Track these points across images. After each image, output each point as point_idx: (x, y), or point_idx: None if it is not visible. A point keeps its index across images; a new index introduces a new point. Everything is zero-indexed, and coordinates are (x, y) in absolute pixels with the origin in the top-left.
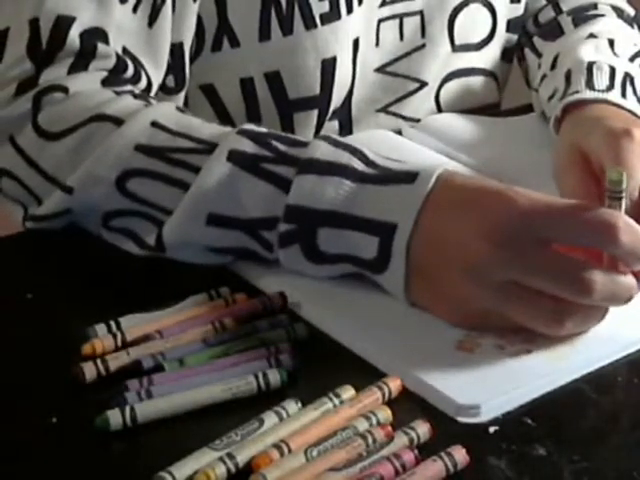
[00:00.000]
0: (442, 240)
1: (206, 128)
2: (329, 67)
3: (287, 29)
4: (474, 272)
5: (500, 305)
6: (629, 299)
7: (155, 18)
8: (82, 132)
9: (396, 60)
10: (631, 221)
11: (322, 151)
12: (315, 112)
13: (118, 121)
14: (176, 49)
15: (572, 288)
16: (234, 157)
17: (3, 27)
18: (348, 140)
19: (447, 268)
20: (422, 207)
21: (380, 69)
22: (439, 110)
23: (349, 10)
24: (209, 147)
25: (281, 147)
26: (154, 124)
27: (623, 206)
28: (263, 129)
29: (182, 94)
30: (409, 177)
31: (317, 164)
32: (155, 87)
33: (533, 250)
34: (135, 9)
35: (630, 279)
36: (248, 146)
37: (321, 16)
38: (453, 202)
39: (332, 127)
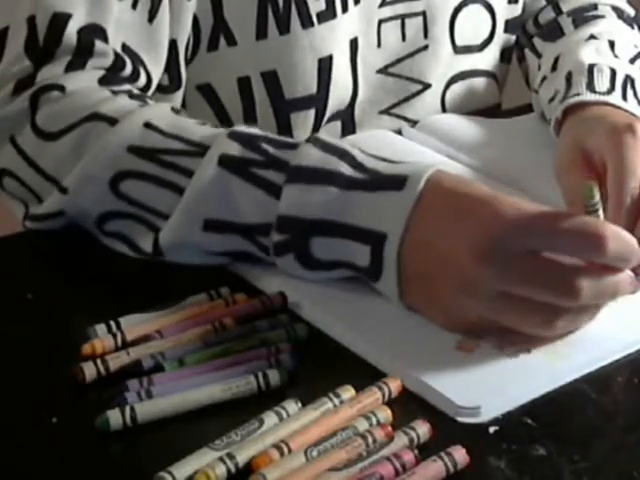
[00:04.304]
0: (432, 252)
1: (198, 129)
2: (325, 66)
3: (284, 28)
4: (465, 286)
5: (492, 314)
6: (615, 296)
7: (155, 14)
8: (78, 132)
9: (399, 61)
10: (618, 228)
11: (310, 157)
12: (312, 112)
13: (112, 121)
14: (170, 46)
15: (560, 295)
16: (225, 162)
17: (3, 26)
18: (339, 141)
19: (438, 280)
20: (411, 216)
21: (382, 70)
22: (444, 112)
23: (344, 9)
24: (200, 150)
25: (270, 150)
26: (147, 125)
27: (601, 216)
28: (254, 130)
29: (179, 93)
30: (397, 183)
31: (305, 171)
32: (155, 83)
33: (522, 261)
34: (135, 5)
35: (616, 277)
36: (238, 150)
37: (318, 15)
38: (442, 211)
39: (334, 128)
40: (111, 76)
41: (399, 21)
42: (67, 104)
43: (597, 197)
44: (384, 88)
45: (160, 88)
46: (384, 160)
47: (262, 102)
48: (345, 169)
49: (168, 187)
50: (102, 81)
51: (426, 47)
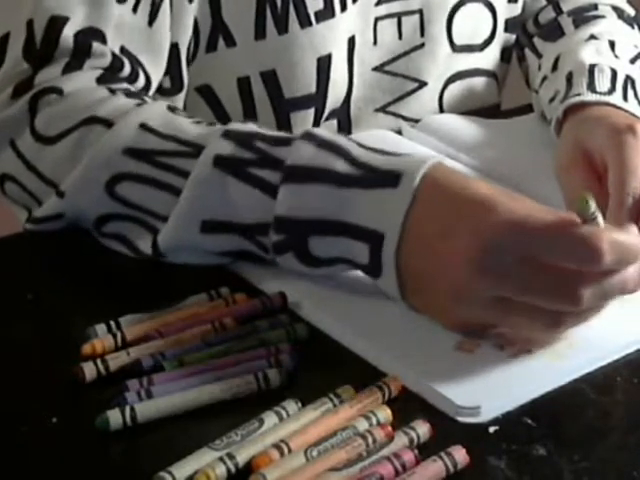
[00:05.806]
0: (429, 252)
1: (193, 129)
2: (324, 65)
3: (282, 28)
4: (461, 295)
5: (492, 320)
6: (624, 292)
7: (155, 17)
8: (75, 135)
9: (395, 59)
10: (615, 237)
11: (304, 155)
12: (312, 111)
13: (108, 123)
14: (172, 50)
15: (562, 301)
16: (220, 163)
17: (4, 31)
18: (335, 136)
19: (435, 281)
20: (407, 215)
21: (378, 68)
22: (441, 111)
23: (343, 8)
24: (195, 150)
25: (265, 148)
26: (142, 126)
27: (601, 223)
28: (249, 128)
29: (181, 96)
30: (392, 179)
31: (300, 170)
32: (154, 85)
33: (518, 268)
34: (135, 8)
35: (622, 274)
36: (232, 150)
37: (316, 14)
38: (437, 210)
39: (331, 126)
40: (109, 75)
41: (395, 19)
42: (65, 107)
43: (593, 207)
44: (380, 86)
45: (162, 91)
46: (379, 152)
47: (262, 102)
48: (339, 165)
49: (165, 189)
50: (100, 80)
51: (422, 45)
